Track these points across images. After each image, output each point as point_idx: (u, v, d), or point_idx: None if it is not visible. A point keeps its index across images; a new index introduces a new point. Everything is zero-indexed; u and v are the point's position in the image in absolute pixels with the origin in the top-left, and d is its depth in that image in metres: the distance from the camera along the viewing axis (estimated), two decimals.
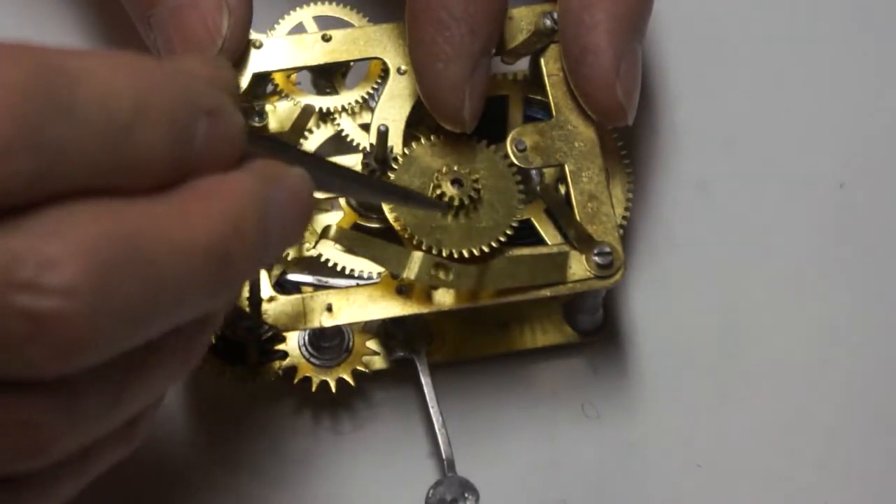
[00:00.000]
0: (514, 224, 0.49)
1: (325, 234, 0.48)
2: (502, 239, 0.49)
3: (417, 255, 0.48)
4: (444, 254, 0.49)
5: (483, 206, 0.50)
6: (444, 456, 0.51)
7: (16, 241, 0.34)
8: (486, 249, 0.49)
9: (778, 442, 0.54)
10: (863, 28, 0.60)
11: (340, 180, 0.45)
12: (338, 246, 0.50)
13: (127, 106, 0.36)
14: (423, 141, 0.50)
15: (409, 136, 0.51)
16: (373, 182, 0.49)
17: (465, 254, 0.49)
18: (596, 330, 0.54)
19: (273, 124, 0.55)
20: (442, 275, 0.48)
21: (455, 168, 0.50)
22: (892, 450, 0.54)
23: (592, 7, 0.50)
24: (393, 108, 0.52)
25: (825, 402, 0.54)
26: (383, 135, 0.50)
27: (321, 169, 0.43)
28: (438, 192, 0.49)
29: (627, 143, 0.54)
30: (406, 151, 0.50)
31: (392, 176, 0.50)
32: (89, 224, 0.35)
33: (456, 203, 0.49)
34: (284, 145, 0.45)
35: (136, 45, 0.52)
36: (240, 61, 0.52)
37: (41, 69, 0.34)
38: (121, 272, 0.35)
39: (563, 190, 0.51)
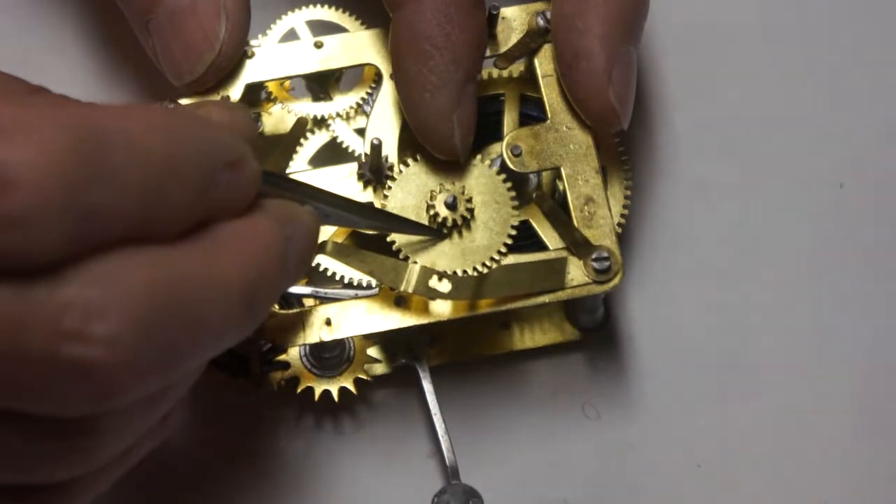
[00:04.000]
0: (508, 242, 0.49)
1: (321, 248, 0.48)
2: (496, 258, 0.49)
3: (415, 268, 0.48)
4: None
5: (476, 225, 0.50)
6: (447, 463, 0.51)
7: (62, 292, 0.35)
8: (480, 269, 0.49)
9: (778, 442, 0.54)
10: (863, 28, 0.60)
11: (344, 212, 0.47)
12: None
13: (161, 167, 0.37)
14: (418, 158, 0.50)
15: (406, 141, 0.51)
16: (373, 212, 0.49)
17: (460, 273, 0.49)
18: (597, 328, 0.54)
19: (268, 127, 0.55)
20: (439, 287, 0.48)
21: (448, 187, 0.50)
22: (892, 450, 0.54)
23: (585, 12, 0.50)
24: (387, 114, 0.52)
25: (825, 402, 0.54)
26: (376, 148, 0.50)
27: (326, 203, 0.46)
28: (432, 212, 0.49)
29: (627, 144, 0.54)
30: (401, 169, 0.50)
31: (388, 194, 0.50)
32: (131, 273, 0.36)
33: (449, 224, 0.49)
34: (293, 183, 0.47)
35: (135, 46, 0.52)
36: (237, 66, 0.52)
37: (83, 134, 0.35)
38: (162, 319, 0.36)
39: (560, 188, 0.51)
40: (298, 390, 0.51)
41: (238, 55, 0.51)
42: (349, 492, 0.53)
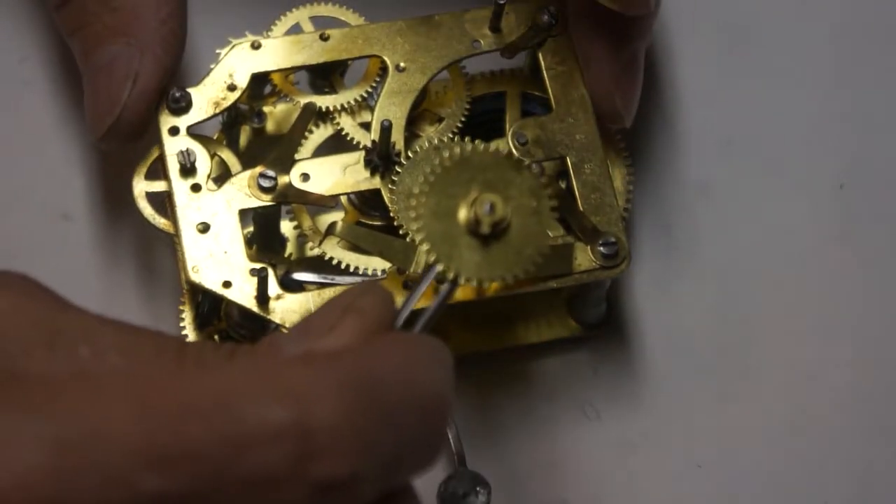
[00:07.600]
0: (544, 256, 0.42)
1: (330, 230, 0.48)
2: (528, 270, 0.42)
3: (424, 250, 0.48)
4: (461, 281, 0.42)
5: (511, 233, 0.42)
6: (454, 449, 0.51)
7: None
8: (508, 280, 0.42)
9: (778, 442, 0.54)
10: (863, 28, 0.60)
11: None
12: (343, 243, 0.50)
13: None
14: (426, 144, 0.50)
15: (410, 133, 0.51)
16: None
17: (485, 284, 0.42)
18: (599, 323, 0.54)
19: (271, 126, 0.55)
20: None
21: (489, 193, 0.41)
22: (893, 450, 0.54)
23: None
24: (393, 105, 0.51)
25: (825, 402, 0.54)
26: (387, 129, 0.50)
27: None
28: (471, 217, 0.42)
29: (628, 143, 0.54)
30: (409, 155, 0.50)
31: (396, 179, 0.50)
32: None
33: (485, 231, 0.42)
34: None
35: None
36: (242, 58, 0.52)
37: (365, 389, 0.34)
38: None
39: (562, 185, 0.51)
40: None
41: (146, 120, 0.50)
42: None
